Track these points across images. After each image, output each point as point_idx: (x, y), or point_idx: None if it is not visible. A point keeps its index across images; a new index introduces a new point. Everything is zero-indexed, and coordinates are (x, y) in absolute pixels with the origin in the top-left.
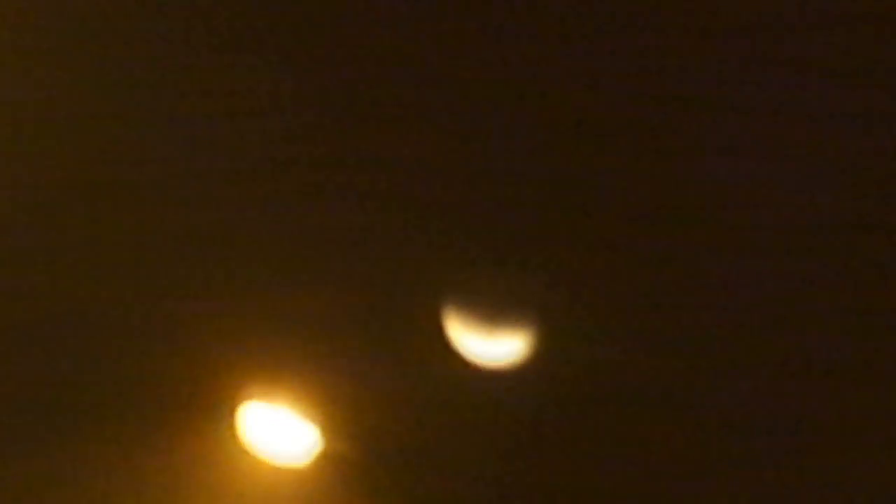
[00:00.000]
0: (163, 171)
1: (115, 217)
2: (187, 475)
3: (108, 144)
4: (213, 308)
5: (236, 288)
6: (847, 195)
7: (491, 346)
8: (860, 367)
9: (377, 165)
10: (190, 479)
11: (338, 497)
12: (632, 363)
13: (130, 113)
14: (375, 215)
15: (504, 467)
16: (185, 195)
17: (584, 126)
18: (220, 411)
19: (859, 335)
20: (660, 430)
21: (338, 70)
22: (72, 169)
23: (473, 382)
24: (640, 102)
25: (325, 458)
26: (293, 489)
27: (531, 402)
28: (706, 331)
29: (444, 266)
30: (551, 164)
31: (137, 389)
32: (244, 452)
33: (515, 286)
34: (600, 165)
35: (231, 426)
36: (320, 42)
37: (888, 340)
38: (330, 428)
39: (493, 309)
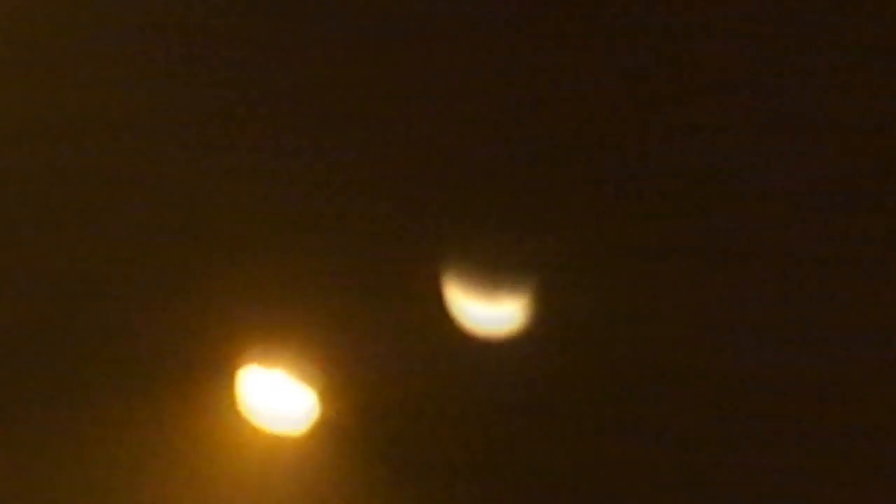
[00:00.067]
0: (161, 139)
1: (114, 186)
2: (186, 440)
3: (111, 110)
4: (211, 273)
5: (234, 254)
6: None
7: (489, 312)
8: (872, 334)
9: (374, 130)
10: (188, 445)
11: (335, 463)
12: (631, 330)
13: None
14: (374, 180)
15: (502, 434)
16: (183, 162)
17: (584, 88)
18: (218, 377)
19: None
20: (659, 398)
21: (334, 34)
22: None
23: (472, 349)
24: (644, 64)
25: (323, 425)
26: (291, 454)
27: (530, 368)
28: (707, 297)
29: (443, 232)
30: (549, 129)
31: (135, 355)
32: (242, 418)
33: (514, 252)
34: (600, 129)
35: (229, 392)
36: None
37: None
38: (328, 394)
39: (491, 275)
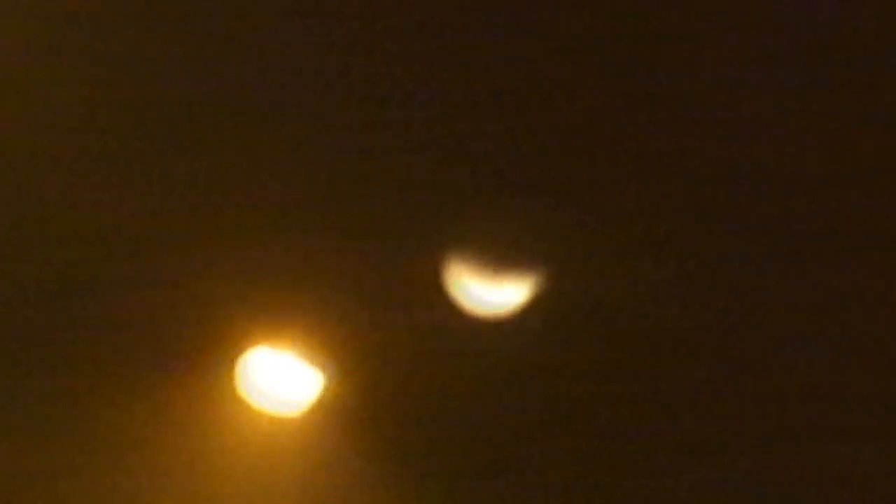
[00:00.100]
0: (166, 118)
1: (120, 167)
2: (189, 422)
3: (119, 94)
4: (215, 257)
5: (238, 237)
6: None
7: (491, 293)
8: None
9: (378, 113)
10: (191, 426)
11: (337, 445)
12: (632, 310)
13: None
14: (377, 162)
15: (504, 414)
16: (187, 144)
17: (587, 67)
18: (221, 359)
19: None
20: (658, 375)
21: (332, 19)
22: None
23: (474, 329)
24: (648, 44)
25: (326, 406)
26: (293, 436)
27: (531, 348)
28: (709, 276)
29: (445, 214)
30: (551, 112)
31: (140, 338)
32: (246, 400)
33: (515, 233)
34: (601, 108)
35: (232, 374)
36: None
37: None
38: (330, 375)
39: (493, 256)
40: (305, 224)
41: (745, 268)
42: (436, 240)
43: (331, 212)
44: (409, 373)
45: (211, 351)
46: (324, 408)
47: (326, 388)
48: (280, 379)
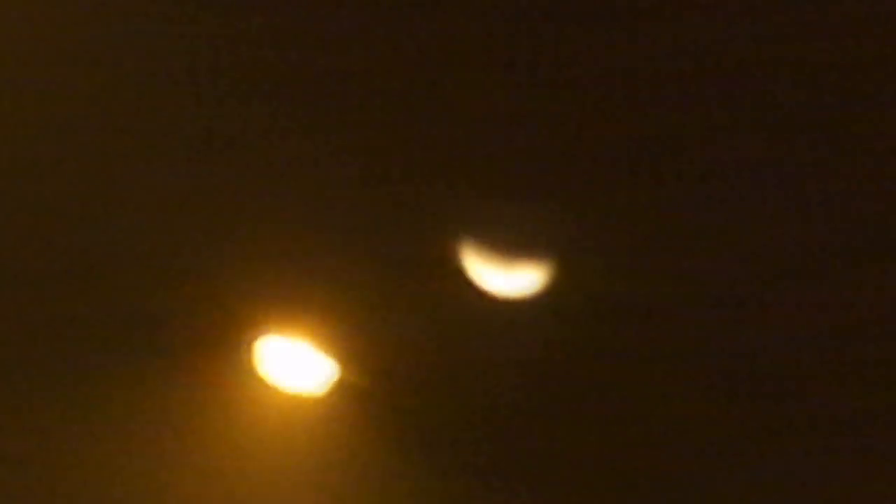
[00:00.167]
0: (183, 116)
1: (139, 159)
2: (207, 406)
3: (135, 95)
4: (232, 244)
5: (256, 226)
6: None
7: (507, 278)
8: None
9: (394, 101)
10: (209, 411)
11: (354, 428)
12: (648, 294)
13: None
14: (393, 151)
15: (519, 398)
16: (206, 137)
17: (598, 58)
18: (239, 344)
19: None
20: (674, 361)
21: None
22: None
23: (490, 314)
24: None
25: (342, 390)
26: (310, 420)
27: (547, 333)
28: (721, 263)
29: (461, 199)
30: (565, 101)
31: (157, 324)
32: (263, 384)
33: (531, 218)
34: (615, 101)
35: (250, 359)
36: None
37: None
38: (347, 360)
39: (509, 241)
40: (323, 213)
41: (763, 265)
42: (451, 226)
43: (348, 200)
44: (424, 355)
45: (232, 335)
46: (342, 390)
47: (344, 372)
48: (299, 362)
